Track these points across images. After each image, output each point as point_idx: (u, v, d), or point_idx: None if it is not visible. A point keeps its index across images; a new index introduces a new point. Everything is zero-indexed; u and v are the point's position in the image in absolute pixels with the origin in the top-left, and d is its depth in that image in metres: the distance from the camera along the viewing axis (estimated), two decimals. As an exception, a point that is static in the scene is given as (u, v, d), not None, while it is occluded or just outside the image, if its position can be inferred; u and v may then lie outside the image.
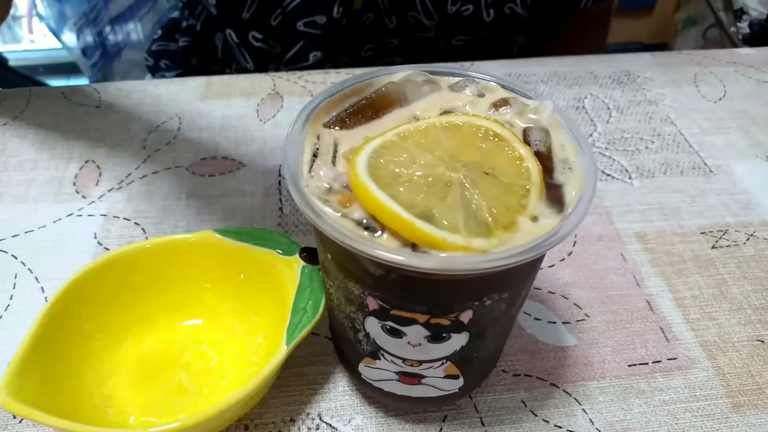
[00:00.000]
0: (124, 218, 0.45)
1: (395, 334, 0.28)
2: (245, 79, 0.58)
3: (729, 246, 0.45)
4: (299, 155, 0.27)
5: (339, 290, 0.28)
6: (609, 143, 0.53)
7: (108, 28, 1.45)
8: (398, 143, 0.27)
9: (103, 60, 1.25)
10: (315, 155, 0.28)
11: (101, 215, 0.46)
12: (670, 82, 0.61)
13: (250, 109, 0.55)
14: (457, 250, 0.24)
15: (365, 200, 0.25)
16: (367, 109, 0.29)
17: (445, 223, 0.24)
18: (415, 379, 0.31)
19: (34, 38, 1.93)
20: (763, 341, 0.40)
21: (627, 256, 0.44)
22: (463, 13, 0.64)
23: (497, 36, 0.70)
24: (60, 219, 0.45)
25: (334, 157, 0.28)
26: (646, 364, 0.38)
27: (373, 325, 0.28)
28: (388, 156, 0.27)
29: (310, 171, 0.27)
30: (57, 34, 1.43)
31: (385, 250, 0.23)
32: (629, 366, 0.38)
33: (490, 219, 0.25)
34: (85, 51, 1.39)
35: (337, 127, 0.29)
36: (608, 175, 0.51)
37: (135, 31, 1.37)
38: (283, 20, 0.63)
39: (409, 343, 0.28)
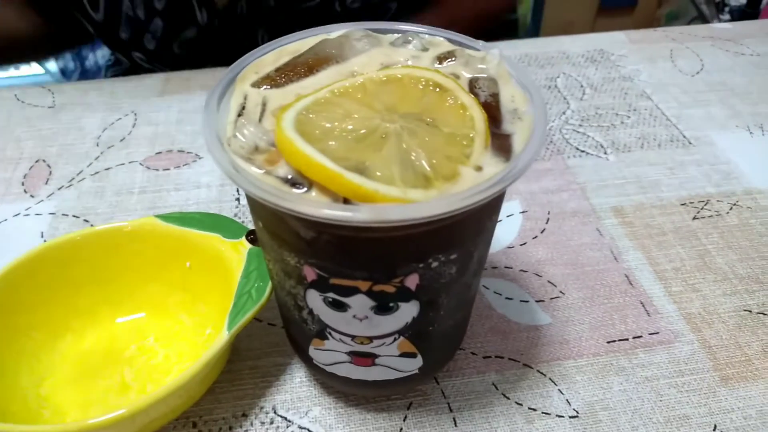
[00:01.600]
0: (73, 215, 0.43)
1: (339, 306, 0.25)
2: (205, 74, 0.56)
3: (711, 216, 0.43)
4: (223, 115, 0.25)
5: (276, 263, 0.26)
6: (583, 120, 0.51)
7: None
8: (332, 99, 0.25)
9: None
10: (240, 115, 0.25)
11: (49, 213, 0.43)
12: (646, 58, 0.59)
13: (209, 103, 0.53)
14: (391, 202, 0.21)
15: (290, 155, 0.23)
16: (300, 67, 0.27)
17: (379, 174, 0.22)
18: (367, 359, 0.28)
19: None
20: (750, 311, 0.37)
21: (603, 231, 0.42)
22: None
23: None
24: (6, 219, 0.43)
25: (262, 115, 0.25)
26: (626, 339, 0.36)
27: (314, 299, 0.26)
28: (320, 112, 0.24)
29: (234, 129, 0.24)
30: (35, 56, 1.41)
31: (310, 204, 0.21)
32: (608, 342, 0.35)
33: (429, 170, 0.22)
34: (64, 72, 1.38)
35: (266, 86, 0.26)
36: (582, 151, 0.48)
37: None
38: (158, 46, 0.61)
39: (354, 316, 0.26)
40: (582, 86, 0.55)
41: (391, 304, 0.25)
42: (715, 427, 0.32)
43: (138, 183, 0.45)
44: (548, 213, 0.43)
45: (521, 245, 0.41)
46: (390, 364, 0.28)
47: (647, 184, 0.46)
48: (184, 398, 0.30)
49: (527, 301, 0.38)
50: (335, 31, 0.29)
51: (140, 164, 0.47)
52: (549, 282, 0.39)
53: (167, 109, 0.52)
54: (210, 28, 0.60)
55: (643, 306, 0.37)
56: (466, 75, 0.27)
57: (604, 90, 0.54)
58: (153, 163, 0.47)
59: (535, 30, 1.66)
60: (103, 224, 0.34)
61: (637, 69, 0.57)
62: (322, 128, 0.24)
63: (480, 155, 0.23)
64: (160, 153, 0.48)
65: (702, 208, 0.44)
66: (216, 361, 0.29)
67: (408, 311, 0.26)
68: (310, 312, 0.27)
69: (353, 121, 0.24)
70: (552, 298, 0.38)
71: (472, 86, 0.26)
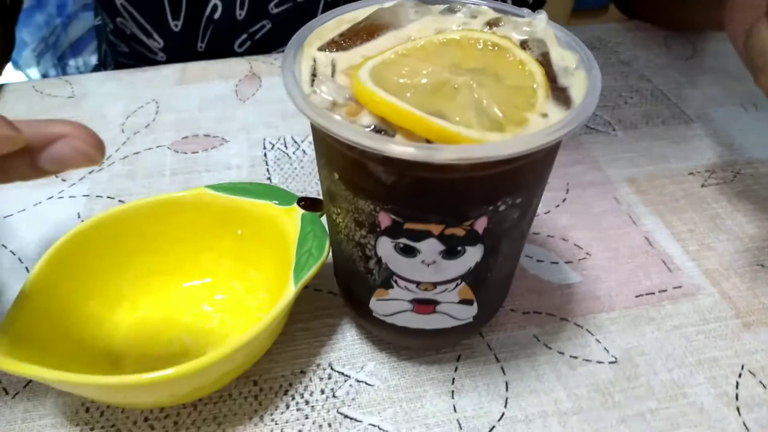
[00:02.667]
0: (108, 197, 0.44)
1: (409, 252, 0.27)
2: (221, 64, 0.58)
3: (718, 184, 0.46)
4: (297, 76, 0.27)
5: (348, 215, 0.28)
6: (589, 100, 0.54)
7: (69, 53, 1.43)
8: (397, 60, 0.27)
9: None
10: (314, 75, 0.27)
11: (83, 196, 0.44)
12: (641, 45, 0.62)
13: (229, 90, 0.54)
14: (472, 143, 0.23)
15: (374, 104, 0.24)
16: (362, 32, 0.29)
17: (458, 119, 0.24)
18: (429, 306, 0.30)
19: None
20: (763, 265, 0.40)
21: (620, 199, 0.44)
22: None
23: None
24: (40, 202, 0.44)
25: (333, 75, 0.27)
26: (653, 293, 0.38)
27: (385, 247, 0.27)
28: (390, 70, 0.26)
29: (312, 87, 0.26)
30: (16, 63, 1.41)
31: (402, 144, 0.23)
32: (636, 297, 0.38)
33: (501, 116, 0.24)
34: (45, 77, 1.37)
35: (333, 49, 0.28)
36: (591, 128, 0.51)
37: (97, 54, 1.36)
38: (251, 48, 0.60)
39: (423, 261, 0.27)
40: (584, 70, 0.57)
41: (459, 248, 0.27)
42: (743, 366, 0.34)
43: (168, 166, 0.46)
44: (567, 184, 0.45)
45: (545, 213, 0.43)
46: (449, 311, 0.30)
47: (656, 156, 0.48)
48: (253, 356, 0.31)
49: (557, 263, 0.40)
50: (387, 2, 0.31)
51: (168, 148, 0.48)
52: (575, 245, 0.41)
53: (187, 97, 0.53)
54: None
55: (665, 263, 0.40)
56: (517, 37, 0.29)
57: (605, 73, 0.57)
58: (181, 147, 0.48)
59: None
60: (156, 195, 0.35)
61: (634, 54, 0.60)
62: (396, 83, 0.25)
63: (543, 104, 0.25)
64: (186, 138, 0.49)
65: (709, 177, 0.46)
66: (283, 316, 0.30)
67: (472, 256, 0.27)
68: (378, 261, 0.28)
69: (424, 75, 0.26)
70: (580, 259, 0.40)
71: (524, 47, 0.29)
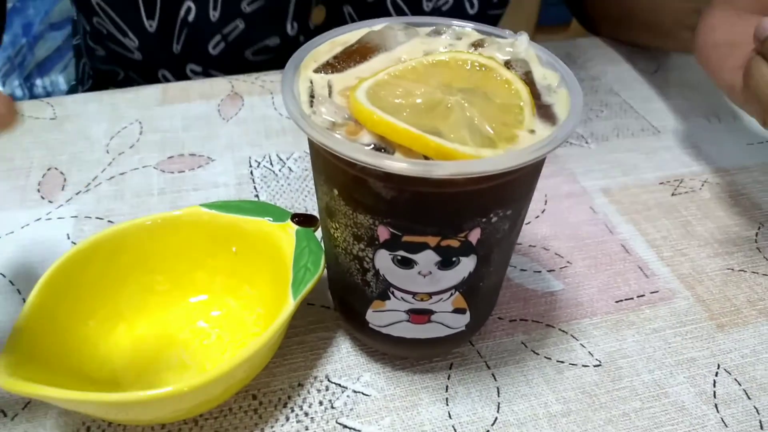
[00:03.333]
0: (96, 217, 0.44)
1: (406, 264, 0.28)
2: (202, 84, 0.58)
3: (687, 192, 0.48)
4: (297, 97, 0.28)
5: (347, 229, 0.29)
6: (562, 114, 0.56)
7: (35, 73, 1.41)
8: (391, 81, 0.28)
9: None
10: (311, 96, 0.28)
11: (72, 217, 0.44)
12: (608, 60, 0.65)
13: (211, 110, 0.55)
14: (468, 158, 0.24)
15: (373, 124, 0.26)
16: (355, 54, 0.30)
17: (453, 137, 0.25)
18: (424, 316, 0.31)
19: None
20: (732, 269, 0.42)
21: (596, 208, 0.46)
22: (441, 8, 0.62)
23: None
24: (28, 224, 0.44)
25: (330, 95, 0.28)
26: (632, 299, 0.40)
27: (383, 259, 0.29)
28: (385, 91, 0.28)
29: (311, 107, 0.27)
30: (-19, 83, 1.39)
31: (404, 161, 0.24)
32: (616, 302, 0.39)
33: (492, 133, 0.26)
34: (12, 98, 1.35)
35: (329, 71, 0.29)
36: (567, 142, 0.53)
37: (65, 73, 1.35)
38: (226, 50, 0.61)
39: (420, 272, 0.29)
40: (556, 86, 0.60)
41: (454, 259, 0.28)
42: (719, 365, 0.36)
43: (156, 185, 0.47)
44: (545, 195, 0.47)
45: (526, 224, 0.45)
46: (443, 320, 0.31)
47: (628, 167, 0.50)
48: (253, 370, 0.32)
49: (540, 271, 0.41)
50: (377, 25, 0.33)
51: (154, 168, 0.49)
52: (556, 254, 0.43)
53: (171, 117, 0.54)
54: (294, 43, 0.60)
55: (641, 270, 0.42)
56: (501, 57, 0.31)
57: (576, 88, 0.60)
58: (167, 167, 0.49)
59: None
60: (150, 215, 0.36)
61: (603, 70, 0.63)
62: (392, 103, 0.27)
63: (530, 121, 0.27)
64: (172, 157, 0.50)
65: (678, 186, 0.49)
66: (282, 330, 0.31)
67: (466, 266, 0.29)
68: (376, 273, 0.29)
69: (418, 95, 0.27)
70: (561, 268, 0.42)
71: (508, 67, 0.30)
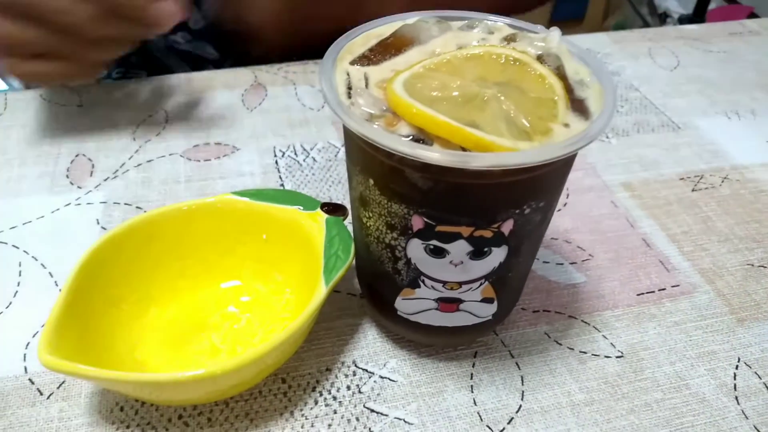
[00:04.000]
0: (125, 203, 0.45)
1: (438, 253, 0.29)
2: (226, 74, 0.59)
3: (707, 188, 0.49)
4: (335, 89, 0.28)
5: (380, 218, 0.29)
6: (583, 109, 0.56)
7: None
8: (426, 74, 0.29)
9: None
10: (349, 87, 0.29)
11: (101, 203, 0.45)
12: (628, 55, 0.65)
13: (235, 99, 0.56)
14: (505, 151, 0.25)
15: (412, 116, 0.26)
16: (390, 47, 0.31)
17: (490, 129, 0.26)
18: (453, 304, 0.32)
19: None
20: (752, 264, 0.42)
21: (617, 203, 0.47)
22: None
23: None
24: (58, 209, 0.44)
25: (366, 87, 0.29)
26: (653, 292, 0.40)
27: (415, 249, 0.29)
28: (422, 83, 0.28)
29: (349, 99, 0.28)
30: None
31: (443, 152, 0.24)
32: (638, 295, 0.40)
33: (528, 126, 0.26)
34: (29, 86, 1.36)
35: (365, 63, 0.30)
36: (587, 136, 0.53)
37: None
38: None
39: (451, 262, 0.29)
40: (576, 80, 0.60)
41: (486, 249, 0.29)
42: (739, 359, 0.37)
43: (183, 173, 0.48)
44: (567, 189, 0.48)
45: (548, 217, 0.45)
46: (471, 309, 0.32)
47: (648, 162, 0.51)
48: (285, 354, 0.32)
49: (562, 264, 0.42)
50: (410, 18, 0.33)
51: (180, 156, 0.49)
52: (578, 247, 0.43)
53: (195, 107, 0.55)
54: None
55: (662, 264, 0.42)
56: (533, 52, 0.31)
57: (596, 83, 0.60)
58: (193, 155, 0.49)
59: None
60: (184, 201, 0.37)
61: (622, 65, 0.63)
62: (429, 96, 0.27)
63: (564, 115, 0.28)
64: (197, 146, 0.50)
65: (698, 182, 0.49)
66: (314, 315, 0.32)
67: (497, 256, 0.29)
68: (407, 262, 0.30)
69: (454, 88, 0.28)
70: (583, 261, 0.42)
71: (540, 61, 0.31)
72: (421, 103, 0.27)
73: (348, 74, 0.30)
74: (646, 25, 1.71)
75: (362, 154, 0.28)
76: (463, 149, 0.25)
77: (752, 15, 1.51)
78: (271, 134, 0.52)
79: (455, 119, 0.26)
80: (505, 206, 0.27)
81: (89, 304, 0.33)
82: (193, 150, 0.50)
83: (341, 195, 0.46)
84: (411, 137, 0.26)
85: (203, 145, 0.51)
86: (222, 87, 0.57)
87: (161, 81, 0.58)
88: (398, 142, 0.25)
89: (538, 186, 0.28)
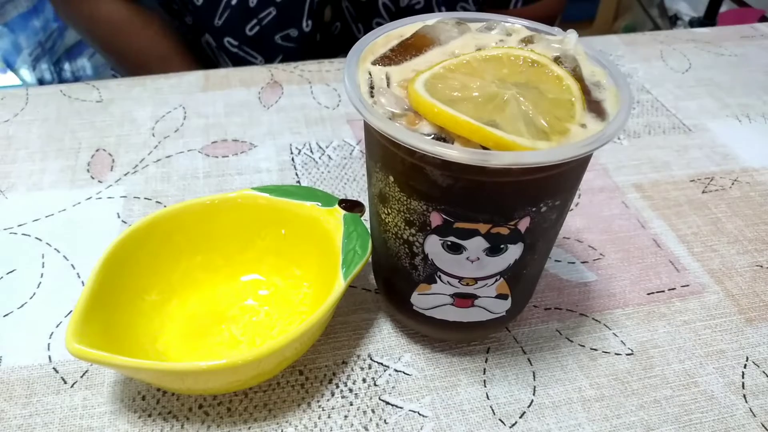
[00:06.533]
0: (145, 198, 0.46)
1: (455, 249, 0.30)
2: (242, 71, 0.60)
3: (717, 190, 0.49)
4: (357, 88, 0.29)
5: (399, 215, 0.30)
6: (595, 111, 0.57)
7: (64, 58, 1.44)
8: (446, 75, 0.30)
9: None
10: (371, 87, 0.30)
11: (121, 197, 0.46)
12: (640, 58, 0.66)
13: (252, 97, 0.57)
14: (525, 150, 0.26)
15: (433, 115, 0.27)
16: (410, 48, 0.32)
17: (509, 129, 0.26)
18: (468, 300, 0.32)
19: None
20: (762, 266, 0.43)
21: (628, 203, 0.47)
22: (414, 6, 0.71)
23: None
24: (79, 203, 0.45)
25: (388, 87, 0.30)
26: (663, 291, 0.41)
27: (433, 244, 0.30)
28: (442, 84, 0.29)
29: (371, 98, 0.29)
30: (11, 66, 1.41)
31: (464, 151, 0.25)
32: (648, 294, 0.41)
33: (546, 126, 0.27)
34: (41, 82, 1.38)
35: (386, 63, 0.31)
36: (599, 137, 0.54)
37: (93, 59, 1.37)
38: (260, 32, 0.68)
39: (468, 258, 0.30)
40: (588, 82, 0.61)
41: (502, 246, 0.30)
42: (747, 358, 0.37)
43: (201, 169, 0.49)
44: (579, 189, 0.48)
45: (560, 216, 0.46)
46: (486, 305, 0.33)
47: (659, 164, 0.51)
48: (303, 346, 0.33)
49: (573, 263, 0.43)
50: (430, 20, 0.34)
51: (199, 152, 0.50)
52: (589, 246, 0.44)
53: (213, 103, 0.56)
54: (310, 37, 0.71)
55: (672, 264, 0.43)
56: (551, 54, 0.32)
57: (608, 85, 0.61)
58: (211, 151, 0.50)
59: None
60: (205, 196, 0.38)
61: (634, 67, 0.64)
62: (449, 96, 0.28)
63: (582, 116, 0.28)
64: (215, 142, 0.51)
65: (708, 184, 0.50)
66: (333, 309, 0.33)
67: (513, 253, 0.30)
68: (424, 258, 0.31)
69: (474, 88, 0.28)
70: (594, 260, 0.43)
71: (557, 63, 0.31)
72: (442, 102, 0.27)
73: (370, 74, 0.30)
74: (656, 27, 1.71)
75: (383, 152, 0.29)
76: (483, 148, 0.26)
77: (763, 18, 1.51)
78: (287, 132, 0.53)
79: (476, 119, 0.26)
80: (523, 204, 0.28)
81: (113, 296, 0.34)
82: (211, 146, 0.51)
83: (356, 192, 0.47)
84: (432, 136, 0.27)
85: (221, 141, 0.51)
86: (239, 84, 0.58)
87: (180, 77, 0.59)
88: (421, 140, 0.26)
89: (555, 185, 0.28)
